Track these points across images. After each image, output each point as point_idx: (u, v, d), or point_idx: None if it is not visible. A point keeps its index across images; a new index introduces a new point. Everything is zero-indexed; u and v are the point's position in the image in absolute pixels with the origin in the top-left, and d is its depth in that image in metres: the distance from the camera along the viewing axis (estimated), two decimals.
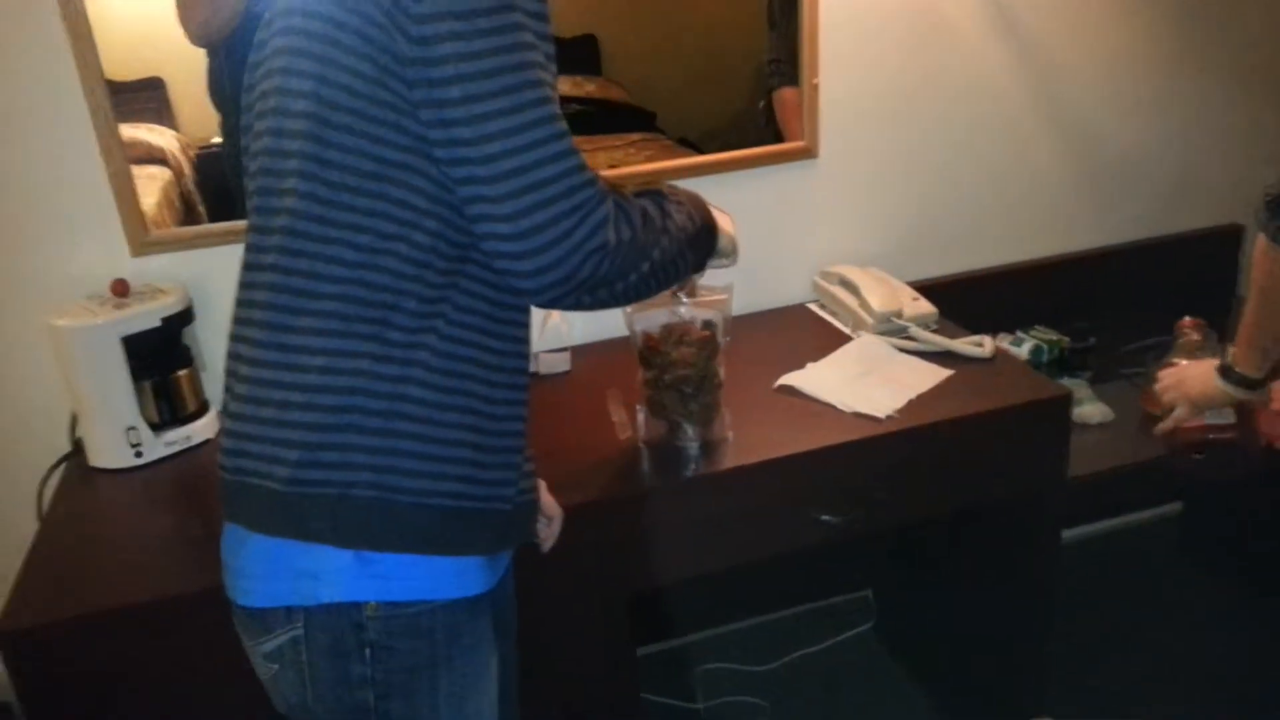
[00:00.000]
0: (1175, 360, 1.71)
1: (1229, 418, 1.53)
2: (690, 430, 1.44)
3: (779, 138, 1.92)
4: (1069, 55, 2.03)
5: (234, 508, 0.96)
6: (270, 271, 0.92)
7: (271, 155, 0.93)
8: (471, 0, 0.85)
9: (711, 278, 1.31)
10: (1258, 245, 1.36)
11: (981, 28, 1.95)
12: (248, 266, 0.96)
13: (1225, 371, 1.48)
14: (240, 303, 0.97)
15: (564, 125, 0.90)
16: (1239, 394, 1.47)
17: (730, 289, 1.44)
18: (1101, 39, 2.04)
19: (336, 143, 0.88)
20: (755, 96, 1.93)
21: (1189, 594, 2.27)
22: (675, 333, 1.41)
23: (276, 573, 0.94)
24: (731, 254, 1.22)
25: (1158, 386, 1.62)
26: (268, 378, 0.92)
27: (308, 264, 0.91)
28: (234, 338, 0.98)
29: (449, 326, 0.94)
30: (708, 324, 1.42)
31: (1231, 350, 1.48)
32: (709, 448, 1.44)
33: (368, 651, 0.94)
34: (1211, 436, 1.53)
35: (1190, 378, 1.55)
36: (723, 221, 1.19)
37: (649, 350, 1.42)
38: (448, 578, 0.97)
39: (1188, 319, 1.70)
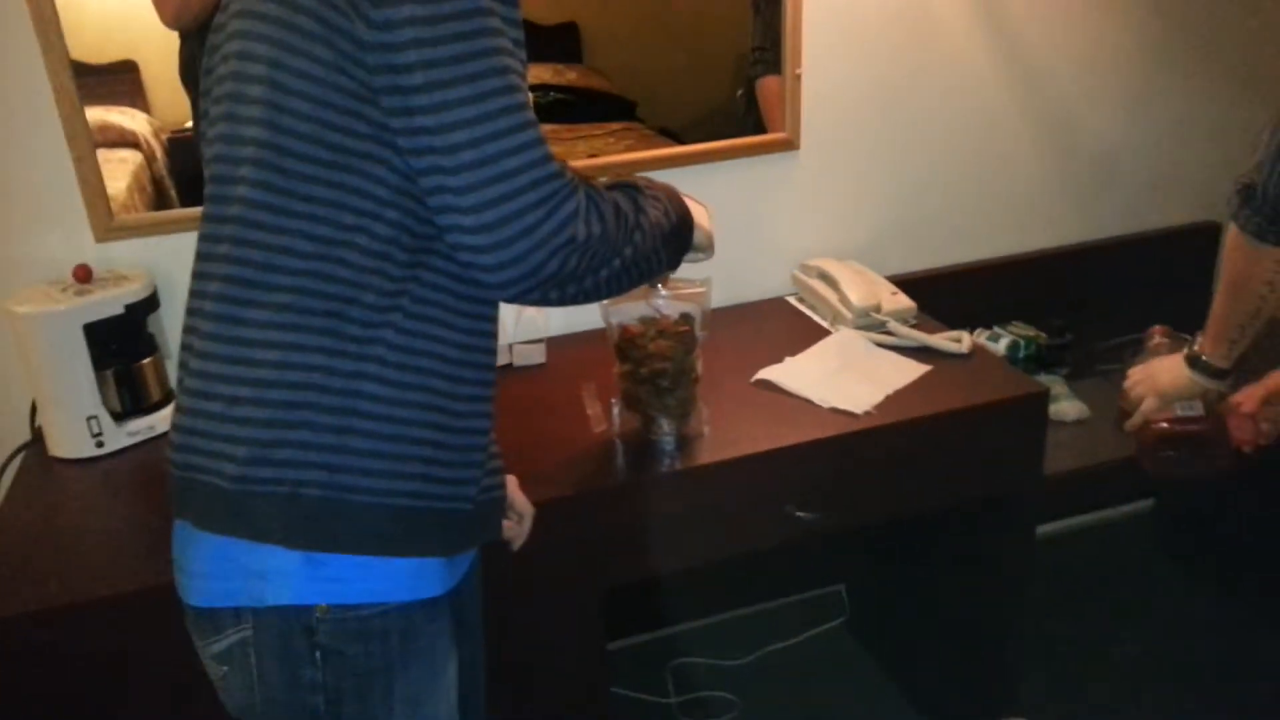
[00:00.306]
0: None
1: (1198, 409, 1.53)
2: (666, 424, 1.42)
3: (759, 127, 1.90)
4: (1051, 52, 2.02)
5: (182, 505, 0.93)
6: (223, 262, 0.89)
7: (227, 142, 0.90)
8: None
9: (689, 271, 1.28)
10: (1229, 235, 1.37)
11: (966, 21, 1.94)
12: (201, 256, 0.93)
13: (1193, 361, 1.48)
14: (193, 293, 0.94)
15: (531, 114, 0.87)
16: (1207, 383, 1.48)
17: (709, 282, 1.42)
18: (1083, 35, 2.03)
19: (292, 130, 0.85)
20: (736, 86, 1.91)
21: (1162, 590, 2.28)
22: (652, 326, 1.39)
23: (225, 572, 0.91)
24: (708, 248, 1.19)
25: (1127, 383, 1.62)
26: (215, 371, 0.89)
27: (262, 255, 0.87)
28: (186, 329, 0.94)
29: (407, 320, 0.91)
30: (685, 317, 1.40)
31: (1200, 339, 1.48)
32: (685, 442, 1.43)
33: (318, 655, 0.91)
34: (1180, 428, 1.53)
35: (1159, 370, 1.55)
36: (699, 215, 1.15)
37: (625, 343, 1.40)
38: (402, 579, 0.94)
39: (1158, 327, 1.70)
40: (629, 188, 1.04)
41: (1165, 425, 1.53)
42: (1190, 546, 2.37)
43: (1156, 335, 1.67)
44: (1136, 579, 2.32)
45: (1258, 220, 1.30)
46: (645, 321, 1.40)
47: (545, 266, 0.89)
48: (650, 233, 1.02)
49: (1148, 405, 1.55)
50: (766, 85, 1.89)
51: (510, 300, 0.94)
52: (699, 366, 1.42)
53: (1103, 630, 2.15)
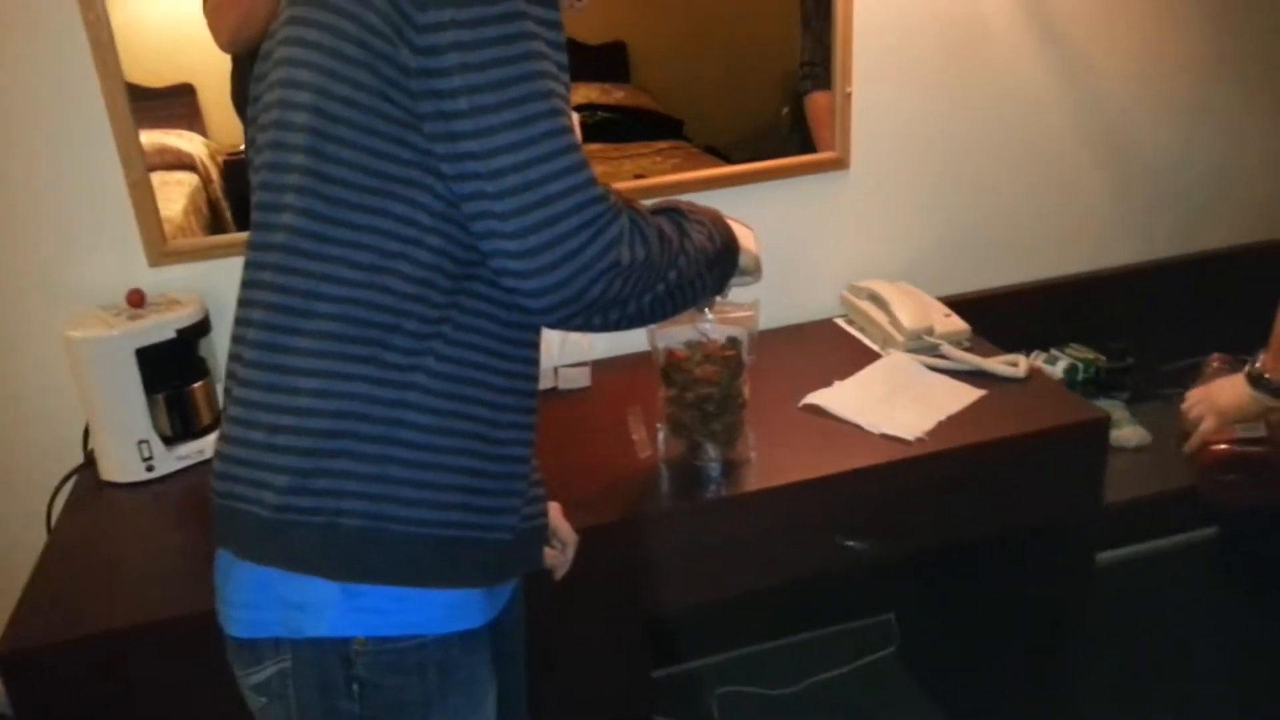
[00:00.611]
0: None
1: (1260, 431, 1.47)
2: (712, 450, 1.40)
3: (805, 144, 1.88)
4: (1107, 65, 1.98)
5: (223, 533, 0.93)
6: (267, 290, 0.89)
7: (272, 169, 0.90)
8: (479, 8, 0.82)
9: (737, 294, 1.26)
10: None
11: (1018, 37, 1.90)
12: (246, 284, 0.93)
13: (1255, 379, 1.43)
14: (237, 320, 0.94)
15: (575, 139, 0.86)
16: (1270, 401, 1.42)
17: (756, 305, 1.40)
18: (1139, 49, 1.98)
19: (336, 157, 0.85)
20: (783, 104, 1.90)
21: (1224, 621, 2.20)
22: (699, 350, 1.37)
23: (264, 602, 0.90)
24: (754, 271, 1.17)
25: (1185, 404, 1.56)
26: (258, 399, 0.89)
27: (304, 282, 0.87)
28: (230, 356, 0.95)
29: (448, 347, 0.90)
30: (732, 341, 1.38)
31: (1262, 357, 1.42)
32: (731, 468, 1.40)
33: (355, 688, 0.90)
34: (1240, 450, 1.47)
35: (1219, 389, 1.50)
36: (744, 238, 1.14)
37: (671, 367, 1.38)
38: (441, 611, 0.93)
39: (1216, 355, 1.64)
40: (673, 212, 1.03)
41: (1225, 446, 1.48)
42: (1254, 575, 2.29)
43: (1215, 362, 1.62)
44: (1198, 609, 2.24)
45: None
46: (691, 346, 1.38)
47: (589, 291, 0.88)
48: (695, 257, 1.01)
49: (1207, 425, 1.50)
50: (816, 101, 1.87)
51: (553, 326, 0.93)
52: (746, 391, 1.40)
53: (1162, 661, 2.08)
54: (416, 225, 0.86)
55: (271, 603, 0.90)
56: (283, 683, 0.91)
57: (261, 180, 0.91)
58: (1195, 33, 2.01)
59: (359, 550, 0.88)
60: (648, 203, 1.01)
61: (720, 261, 1.07)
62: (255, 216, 0.93)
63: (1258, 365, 1.43)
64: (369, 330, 0.87)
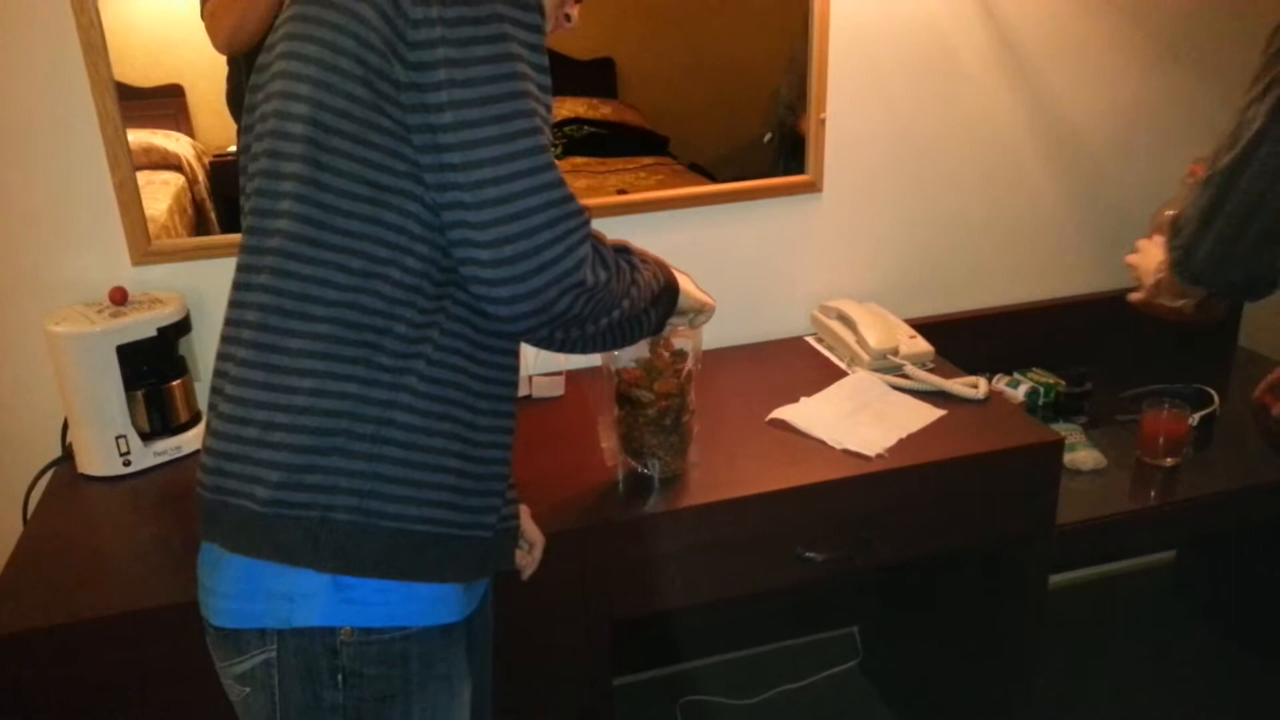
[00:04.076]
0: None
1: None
2: (670, 460, 1.43)
3: (791, 171, 1.92)
4: (1075, 99, 2.04)
5: (211, 526, 0.96)
6: (261, 292, 0.92)
7: (267, 176, 0.93)
8: (468, 29, 0.86)
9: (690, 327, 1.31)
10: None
11: (990, 68, 1.96)
12: (238, 286, 0.96)
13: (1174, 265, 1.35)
14: (229, 321, 0.97)
15: (552, 158, 0.91)
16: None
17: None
18: (1108, 84, 2.05)
19: (332, 166, 0.89)
20: (769, 123, 1.93)
21: (1179, 644, 2.25)
22: (650, 367, 1.40)
23: (251, 593, 0.93)
24: (689, 311, 1.25)
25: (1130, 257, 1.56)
26: (253, 397, 0.92)
27: (299, 285, 0.91)
28: (221, 356, 0.97)
29: (437, 351, 0.94)
30: (679, 354, 1.42)
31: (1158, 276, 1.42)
32: (691, 479, 1.44)
33: (340, 677, 0.93)
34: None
35: (1152, 254, 1.46)
36: (684, 282, 1.22)
37: (626, 387, 1.40)
38: (424, 604, 0.96)
39: (1195, 162, 1.47)
40: (624, 250, 1.09)
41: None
42: (1210, 600, 2.34)
43: (1190, 178, 1.44)
44: (1154, 631, 2.29)
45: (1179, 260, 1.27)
46: (641, 363, 1.41)
47: (557, 304, 0.92)
48: (643, 290, 1.08)
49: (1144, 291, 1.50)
50: None
51: (517, 335, 0.98)
52: (693, 399, 1.43)
53: (1117, 681, 2.13)
54: (408, 234, 0.90)
55: (259, 594, 0.93)
56: (267, 672, 0.94)
57: (257, 186, 0.95)
58: (1162, 72, 2.07)
59: (348, 544, 0.91)
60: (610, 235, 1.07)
61: (662, 300, 1.14)
62: (249, 221, 0.96)
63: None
64: (362, 333, 0.91)
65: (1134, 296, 1.56)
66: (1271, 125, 1.18)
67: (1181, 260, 1.29)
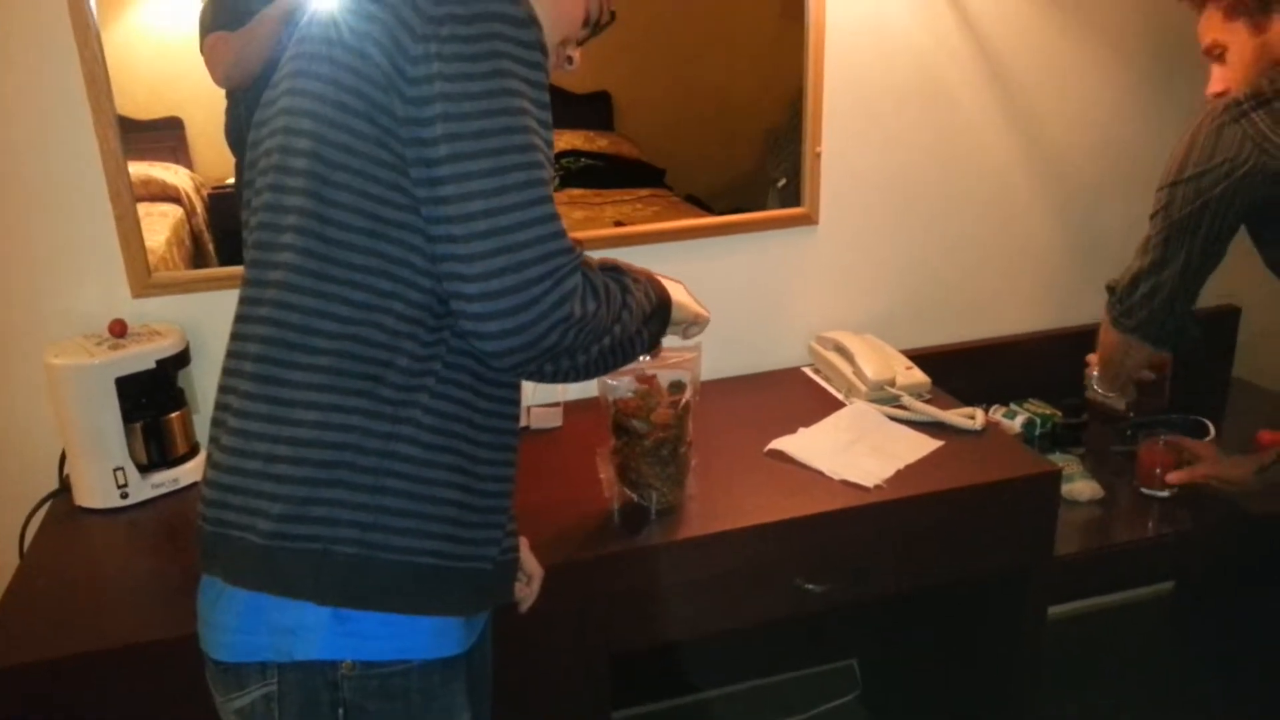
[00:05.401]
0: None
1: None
2: (668, 492, 1.43)
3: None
4: (1069, 132, 2.06)
5: (212, 559, 0.96)
6: (264, 324, 0.93)
7: (272, 210, 0.94)
8: (465, 64, 0.87)
9: (677, 340, 1.30)
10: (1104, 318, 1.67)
11: (984, 102, 1.98)
12: (241, 319, 0.97)
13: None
14: (231, 353, 0.97)
15: (549, 192, 0.90)
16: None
17: (698, 348, 1.43)
18: (1102, 118, 2.07)
19: (335, 200, 0.90)
20: (764, 157, 1.94)
21: (1177, 675, 2.24)
22: (648, 398, 1.41)
23: (253, 627, 0.93)
24: (682, 323, 1.22)
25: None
26: (255, 430, 0.92)
27: (302, 318, 0.91)
28: (223, 388, 0.98)
29: (440, 384, 0.94)
30: (678, 385, 1.42)
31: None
32: (688, 510, 1.44)
33: (341, 711, 0.93)
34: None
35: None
36: (676, 293, 1.19)
37: (623, 417, 1.41)
38: (426, 638, 0.96)
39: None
40: (613, 270, 1.07)
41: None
42: (1208, 631, 2.33)
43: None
44: (1151, 662, 2.28)
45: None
46: (639, 394, 1.41)
47: (546, 338, 0.91)
48: (635, 313, 1.06)
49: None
50: None
51: (506, 370, 0.96)
52: (690, 430, 1.43)
53: (1115, 713, 2.11)
54: (410, 266, 0.91)
55: (260, 628, 0.92)
56: (268, 706, 0.93)
57: (260, 220, 0.95)
58: (1155, 105, 2.09)
59: (351, 577, 0.91)
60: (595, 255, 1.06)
61: (655, 318, 1.13)
62: (252, 254, 0.97)
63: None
64: (365, 365, 0.91)
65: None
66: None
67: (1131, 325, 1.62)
